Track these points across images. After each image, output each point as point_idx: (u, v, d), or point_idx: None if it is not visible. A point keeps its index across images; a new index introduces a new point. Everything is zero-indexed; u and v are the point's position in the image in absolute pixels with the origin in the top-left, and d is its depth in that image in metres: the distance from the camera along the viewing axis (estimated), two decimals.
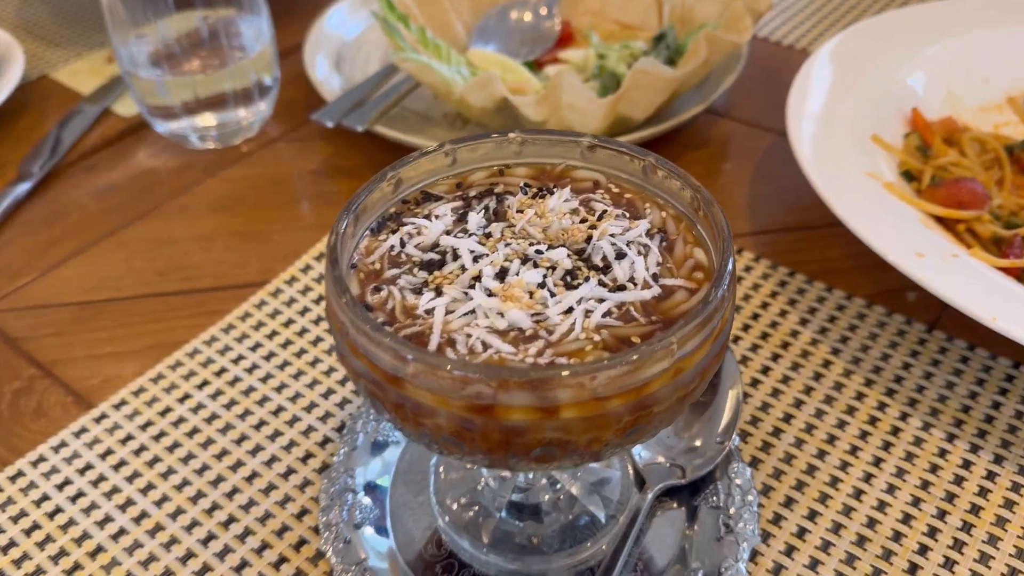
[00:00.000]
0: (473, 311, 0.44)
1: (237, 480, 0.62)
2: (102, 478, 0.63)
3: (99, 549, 0.59)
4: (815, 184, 0.73)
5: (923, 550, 0.58)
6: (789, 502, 0.60)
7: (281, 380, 0.69)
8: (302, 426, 0.66)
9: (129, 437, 0.66)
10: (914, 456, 0.63)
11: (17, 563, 0.58)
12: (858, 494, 0.61)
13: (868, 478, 0.62)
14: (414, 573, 0.55)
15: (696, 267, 0.48)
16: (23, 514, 0.61)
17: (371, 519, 0.58)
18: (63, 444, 0.65)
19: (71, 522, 0.60)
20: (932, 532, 0.59)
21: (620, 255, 0.47)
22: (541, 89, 0.89)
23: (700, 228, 0.50)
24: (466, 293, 0.45)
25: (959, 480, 0.62)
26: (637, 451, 0.61)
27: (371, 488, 0.60)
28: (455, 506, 0.58)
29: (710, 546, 0.56)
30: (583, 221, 0.50)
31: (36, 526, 0.60)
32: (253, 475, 0.63)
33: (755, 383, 0.68)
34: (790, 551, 0.57)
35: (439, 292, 0.45)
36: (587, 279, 0.46)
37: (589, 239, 0.48)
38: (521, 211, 0.50)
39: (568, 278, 0.46)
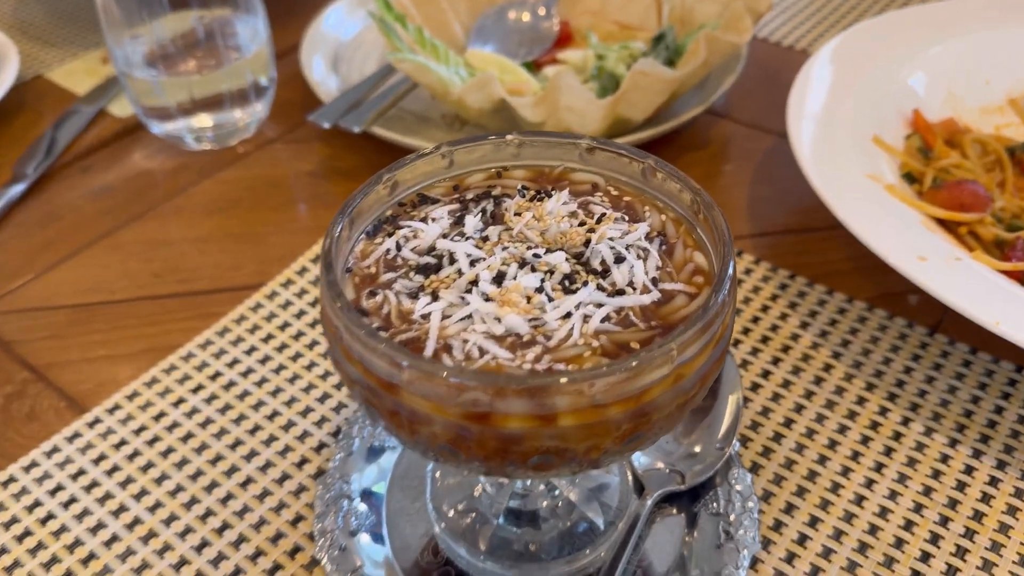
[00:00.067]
0: (470, 316, 0.44)
1: (231, 486, 0.62)
2: (95, 483, 0.62)
3: (91, 556, 0.58)
4: (816, 186, 0.72)
5: (925, 557, 0.57)
6: (790, 508, 0.60)
7: (276, 384, 0.68)
8: (297, 431, 0.65)
9: (123, 442, 0.65)
10: (916, 461, 0.62)
11: (8, 570, 0.57)
12: (860, 500, 0.60)
13: (870, 484, 0.61)
14: None
15: (696, 271, 0.48)
16: (14, 520, 0.60)
17: (367, 526, 0.57)
18: (56, 449, 0.65)
19: (63, 528, 0.60)
20: (935, 539, 0.58)
21: (619, 259, 0.47)
22: (539, 90, 0.88)
23: (700, 231, 0.49)
24: (463, 298, 0.44)
25: (961, 486, 0.61)
26: (636, 457, 0.60)
27: (367, 494, 0.59)
28: (452, 512, 0.57)
29: (710, 553, 0.55)
30: (582, 224, 0.49)
31: (28, 532, 0.59)
32: (247, 481, 0.62)
33: (755, 387, 0.67)
34: (791, 558, 0.57)
35: (435, 297, 0.45)
36: (585, 283, 0.45)
37: (588, 243, 0.47)
38: (519, 214, 0.50)
39: (566, 282, 0.45)
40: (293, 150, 0.95)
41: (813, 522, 0.59)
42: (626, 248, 0.47)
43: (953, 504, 0.60)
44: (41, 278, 0.80)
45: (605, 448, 0.42)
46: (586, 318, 0.44)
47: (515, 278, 0.45)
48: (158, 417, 0.67)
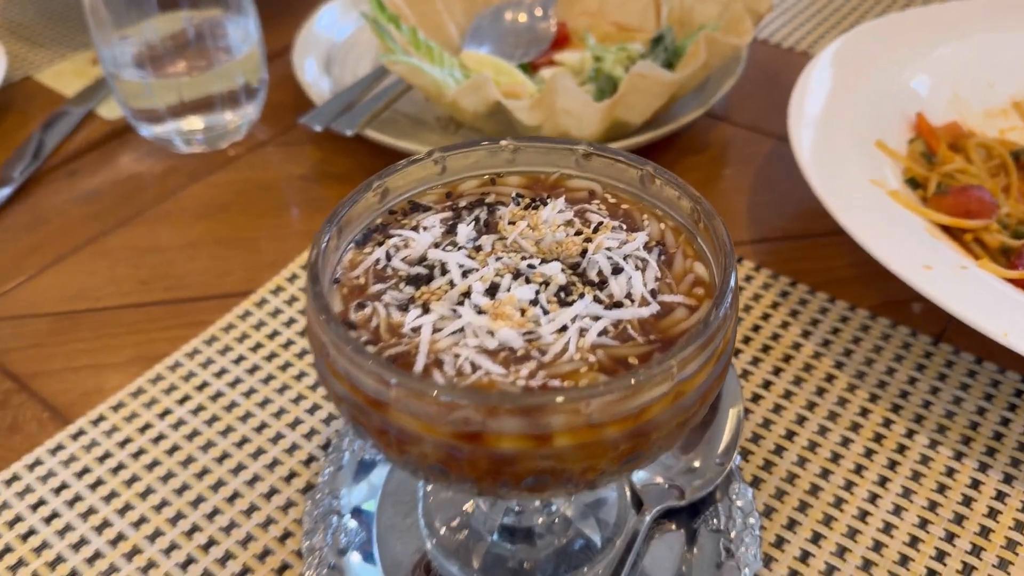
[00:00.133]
0: (462, 329, 0.42)
1: (218, 501, 0.60)
2: (78, 498, 0.61)
3: (73, 573, 0.56)
4: (817, 191, 0.70)
5: (931, 575, 0.55)
6: (792, 524, 0.58)
7: (265, 395, 0.67)
8: (286, 443, 0.63)
9: (107, 455, 0.63)
10: (921, 475, 0.61)
11: None
12: (863, 515, 0.58)
13: (874, 499, 0.59)
14: None
15: (696, 282, 0.46)
16: None
17: (357, 543, 0.55)
18: (38, 462, 0.63)
19: (44, 545, 0.58)
20: (940, 556, 0.56)
21: (617, 270, 0.45)
22: (536, 92, 0.87)
23: (701, 241, 0.48)
24: (454, 310, 0.43)
25: (968, 501, 0.59)
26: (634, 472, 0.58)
27: (357, 510, 0.57)
28: (444, 529, 0.56)
29: (710, 571, 0.54)
30: (578, 233, 0.48)
31: (8, 548, 0.58)
32: (235, 495, 0.60)
33: (756, 398, 0.66)
34: None
35: (426, 309, 0.43)
36: (582, 295, 0.44)
37: (584, 253, 0.46)
38: (513, 223, 0.48)
39: (562, 294, 0.44)
40: (285, 153, 0.93)
41: (816, 538, 0.57)
42: (624, 258, 0.46)
43: (959, 520, 0.58)
44: (25, 284, 0.78)
45: (602, 469, 0.40)
46: (582, 332, 0.42)
47: (509, 290, 0.43)
48: (143, 429, 0.65)
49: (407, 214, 0.50)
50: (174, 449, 0.63)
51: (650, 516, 0.55)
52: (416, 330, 0.42)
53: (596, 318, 0.43)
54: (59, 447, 0.64)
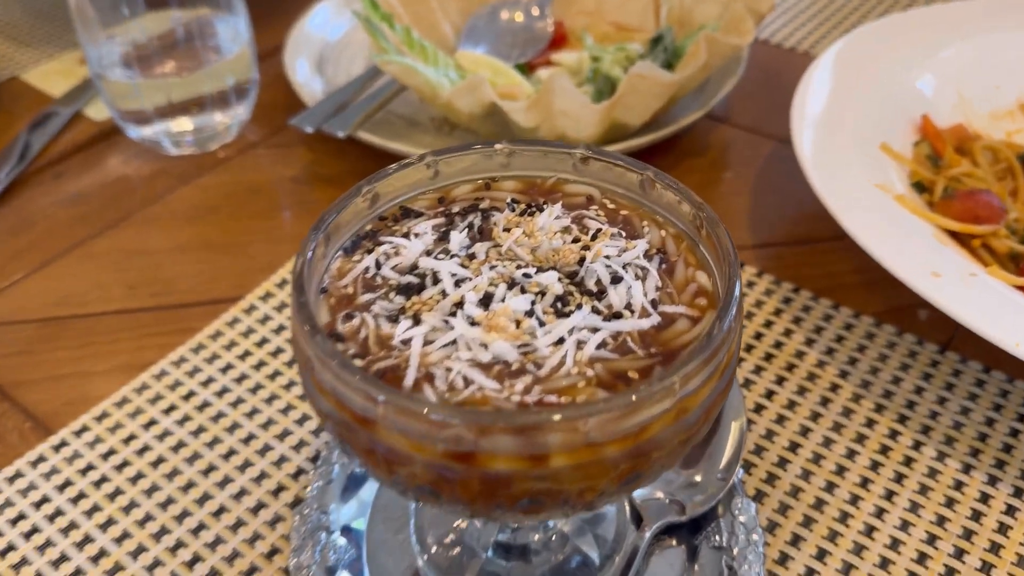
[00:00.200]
0: (454, 342, 0.40)
1: (203, 515, 0.58)
2: (59, 512, 0.59)
3: None
4: (821, 195, 0.69)
5: None
6: (796, 540, 0.56)
7: (253, 405, 0.65)
8: (274, 456, 0.61)
9: (89, 467, 0.61)
10: (928, 489, 0.59)
11: None
12: (870, 531, 0.57)
13: (880, 513, 0.58)
14: None
15: (699, 292, 0.44)
16: None
17: (346, 561, 0.53)
18: (18, 475, 0.61)
19: (24, 561, 0.56)
20: (950, 573, 0.54)
21: (616, 279, 0.43)
22: (532, 93, 0.85)
23: (703, 249, 0.46)
24: (446, 321, 0.41)
25: (977, 515, 0.58)
26: None
27: (347, 526, 0.55)
28: (437, 546, 0.54)
29: None
30: (575, 241, 0.46)
31: None
32: (220, 510, 0.58)
33: (759, 409, 0.64)
34: None
35: (417, 320, 0.41)
36: (580, 306, 0.42)
37: (582, 261, 0.44)
38: (508, 229, 0.46)
39: (559, 305, 0.42)
40: (276, 155, 0.91)
41: (821, 555, 0.55)
42: (623, 267, 0.44)
43: (968, 535, 0.56)
44: (9, 290, 0.76)
45: (601, 489, 0.38)
46: (580, 344, 0.40)
47: (503, 300, 0.42)
48: (128, 440, 0.63)
49: (398, 220, 0.48)
50: (159, 461, 0.61)
51: (650, 532, 0.53)
52: (406, 342, 0.40)
53: (594, 330, 0.41)
54: (40, 459, 0.62)
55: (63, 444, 0.63)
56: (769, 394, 0.65)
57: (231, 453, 0.62)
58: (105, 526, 0.58)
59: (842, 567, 0.55)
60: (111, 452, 0.62)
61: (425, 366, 0.39)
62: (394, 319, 0.42)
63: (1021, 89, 0.87)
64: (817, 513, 0.57)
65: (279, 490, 0.59)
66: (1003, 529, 0.57)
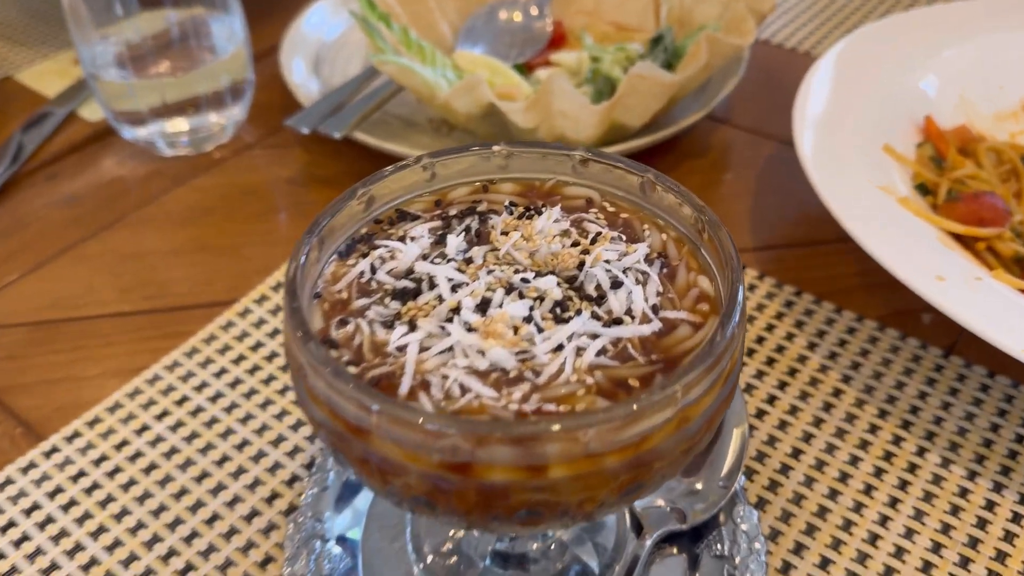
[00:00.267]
0: (451, 348, 0.39)
1: (196, 523, 0.57)
2: (49, 520, 0.58)
3: None
4: (823, 197, 0.68)
5: None
6: (799, 548, 0.55)
7: (247, 410, 0.64)
8: (268, 462, 0.60)
9: (81, 473, 0.60)
10: (933, 496, 0.58)
11: None
12: (874, 539, 0.56)
13: (884, 521, 0.57)
14: None
15: (701, 298, 0.43)
16: None
17: (341, 570, 0.52)
18: (8, 481, 0.60)
19: (13, 570, 0.55)
20: None
21: (616, 284, 0.42)
22: (531, 94, 0.84)
23: (705, 253, 0.45)
24: (443, 328, 0.40)
25: (982, 523, 0.57)
26: None
27: (342, 534, 0.54)
28: (433, 555, 0.53)
29: None
30: (575, 245, 0.45)
31: None
32: (214, 517, 0.57)
33: (761, 414, 0.63)
34: None
35: (413, 326, 0.40)
36: (579, 312, 0.41)
37: (581, 265, 0.43)
38: (506, 233, 0.45)
39: (558, 310, 0.41)
40: (271, 156, 0.90)
41: (824, 563, 0.54)
42: (623, 271, 0.43)
43: (974, 543, 0.56)
44: (1, 293, 0.75)
45: (601, 500, 0.37)
46: (579, 351, 0.39)
47: (501, 306, 0.41)
48: (120, 446, 0.62)
49: (394, 223, 0.48)
50: (151, 468, 0.60)
51: (651, 541, 0.52)
52: (402, 349, 0.39)
53: (594, 336, 0.40)
54: (31, 465, 0.61)
55: (54, 450, 0.62)
56: (771, 399, 0.64)
57: (224, 459, 0.61)
58: (96, 534, 0.57)
59: None
60: (103, 458, 0.61)
61: (421, 373, 0.38)
62: (389, 325, 0.41)
63: None
64: (820, 521, 0.57)
65: (273, 497, 0.58)
66: (1009, 537, 0.56)
